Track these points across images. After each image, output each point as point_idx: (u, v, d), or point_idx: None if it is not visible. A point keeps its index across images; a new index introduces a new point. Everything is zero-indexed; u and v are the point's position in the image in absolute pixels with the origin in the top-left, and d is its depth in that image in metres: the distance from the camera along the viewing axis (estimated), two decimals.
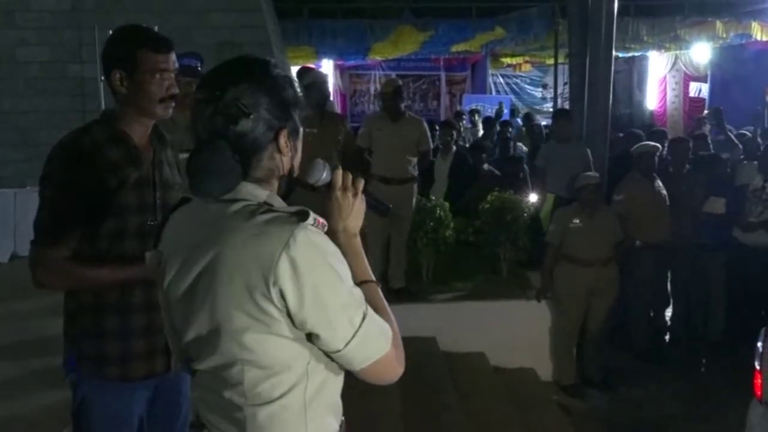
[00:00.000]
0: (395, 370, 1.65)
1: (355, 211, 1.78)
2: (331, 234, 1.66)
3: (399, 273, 6.67)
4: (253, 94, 1.59)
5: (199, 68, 3.87)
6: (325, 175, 1.76)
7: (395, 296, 6.30)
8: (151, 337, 2.49)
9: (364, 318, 1.56)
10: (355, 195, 1.78)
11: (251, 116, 1.58)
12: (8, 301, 3.16)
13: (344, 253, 1.64)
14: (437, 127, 10.25)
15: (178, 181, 2.63)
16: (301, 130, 1.74)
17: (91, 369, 2.49)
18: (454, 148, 9.08)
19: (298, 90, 1.70)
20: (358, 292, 1.58)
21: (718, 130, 10.16)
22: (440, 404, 5.31)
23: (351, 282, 1.58)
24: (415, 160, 6.63)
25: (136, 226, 2.45)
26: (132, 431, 2.55)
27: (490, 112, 17.13)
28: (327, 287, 1.52)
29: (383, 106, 6.78)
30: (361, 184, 1.79)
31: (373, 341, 1.58)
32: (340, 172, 1.77)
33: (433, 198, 7.32)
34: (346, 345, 1.54)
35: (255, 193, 1.61)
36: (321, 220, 1.60)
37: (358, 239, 1.79)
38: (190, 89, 3.68)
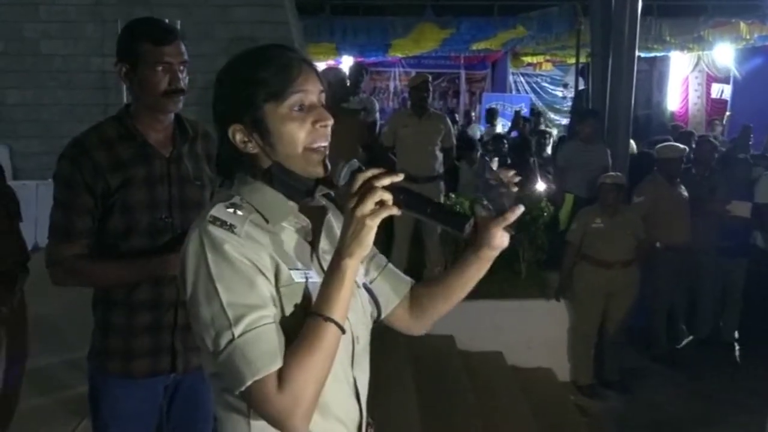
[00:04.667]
0: (277, 416, 1.39)
1: (354, 232, 1.42)
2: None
3: (435, 274, 6.59)
4: (215, 88, 1.57)
5: None
6: (342, 177, 1.47)
7: None
8: (156, 335, 2.47)
9: (231, 341, 1.38)
10: (353, 209, 1.41)
11: (216, 110, 1.57)
12: (29, 292, 3.17)
13: (328, 271, 1.46)
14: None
15: (206, 175, 2.57)
16: (270, 122, 1.51)
17: (97, 363, 2.51)
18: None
19: (258, 81, 1.49)
20: (237, 311, 1.39)
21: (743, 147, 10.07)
22: (457, 403, 5.30)
23: (238, 297, 1.40)
24: (441, 156, 6.59)
25: (147, 224, 2.42)
26: (146, 428, 2.55)
27: (510, 111, 17.09)
28: (201, 292, 1.42)
29: (411, 99, 6.73)
30: (373, 198, 1.40)
31: (234, 370, 1.39)
32: (358, 177, 1.44)
33: (452, 196, 7.27)
34: (215, 357, 1.41)
35: (241, 182, 1.55)
36: (228, 220, 1.44)
37: (349, 267, 1.43)
38: None
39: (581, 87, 12.00)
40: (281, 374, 1.38)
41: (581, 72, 11.74)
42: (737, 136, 10.80)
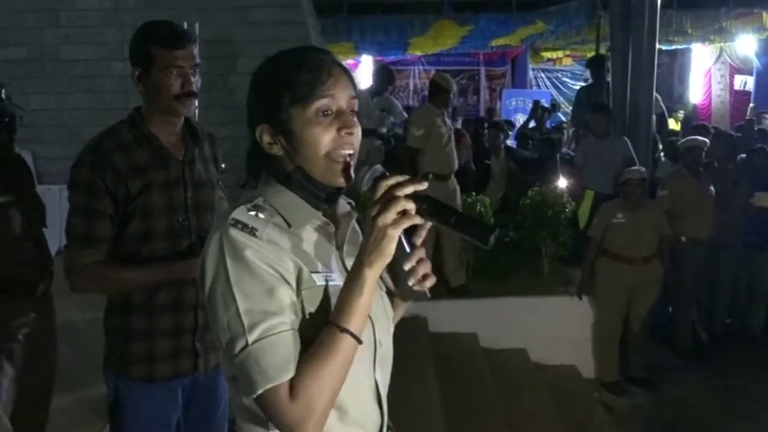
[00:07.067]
0: (289, 426, 1.38)
1: (375, 241, 1.38)
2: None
3: (456, 271, 6.60)
4: (249, 87, 1.57)
5: None
6: (365, 183, 1.44)
7: (452, 294, 6.37)
8: (178, 337, 2.48)
9: (244, 348, 1.37)
10: (375, 217, 1.37)
11: (247, 109, 1.57)
12: (53, 295, 3.20)
13: (347, 280, 1.43)
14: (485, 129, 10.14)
15: (214, 177, 2.61)
16: (294, 127, 1.48)
17: (118, 368, 2.51)
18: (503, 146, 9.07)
19: (286, 84, 1.47)
20: (253, 318, 1.37)
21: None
22: (481, 400, 5.29)
23: (255, 303, 1.38)
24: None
25: (165, 227, 2.43)
26: (167, 429, 2.55)
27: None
28: (219, 297, 1.41)
29: (442, 99, 6.64)
30: (396, 207, 1.37)
31: (248, 377, 1.38)
32: (381, 185, 1.40)
33: (474, 194, 7.25)
34: (231, 361, 1.40)
35: (265, 183, 1.55)
36: (250, 223, 1.42)
37: (369, 277, 1.39)
38: None
39: (584, 84, 11.88)
40: (294, 384, 1.37)
41: (588, 64, 11.40)
42: (741, 129, 10.84)
